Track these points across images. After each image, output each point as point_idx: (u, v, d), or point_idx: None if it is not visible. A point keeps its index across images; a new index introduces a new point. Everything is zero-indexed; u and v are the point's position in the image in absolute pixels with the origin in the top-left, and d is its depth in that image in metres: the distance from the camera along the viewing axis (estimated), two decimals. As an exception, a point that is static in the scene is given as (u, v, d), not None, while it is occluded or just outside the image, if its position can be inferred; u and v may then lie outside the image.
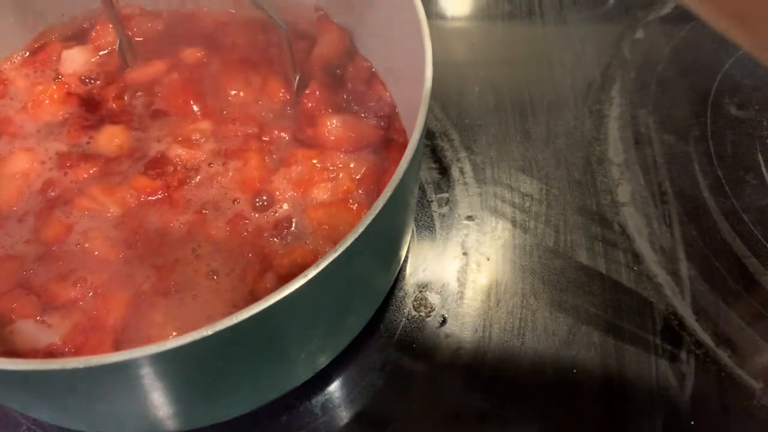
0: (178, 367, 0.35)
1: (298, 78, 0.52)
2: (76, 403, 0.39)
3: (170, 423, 0.45)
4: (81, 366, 0.31)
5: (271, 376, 0.43)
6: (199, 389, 0.40)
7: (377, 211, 0.35)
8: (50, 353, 0.43)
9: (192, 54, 0.56)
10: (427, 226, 0.55)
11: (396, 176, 0.36)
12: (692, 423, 0.47)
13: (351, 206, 0.46)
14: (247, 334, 0.34)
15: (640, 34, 0.70)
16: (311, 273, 0.33)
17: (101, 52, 0.57)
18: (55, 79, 0.55)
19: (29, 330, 0.44)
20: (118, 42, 0.55)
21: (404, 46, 0.45)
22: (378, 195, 0.46)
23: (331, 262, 0.34)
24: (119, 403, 0.39)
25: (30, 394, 0.38)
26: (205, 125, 0.52)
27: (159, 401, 0.39)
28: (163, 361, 0.33)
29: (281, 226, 0.46)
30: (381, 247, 0.42)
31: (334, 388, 0.48)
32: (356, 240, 0.34)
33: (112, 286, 0.45)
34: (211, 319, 0.31)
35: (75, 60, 0.56)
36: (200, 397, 0.41)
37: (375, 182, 0.47)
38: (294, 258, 0.43)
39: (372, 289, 0.46)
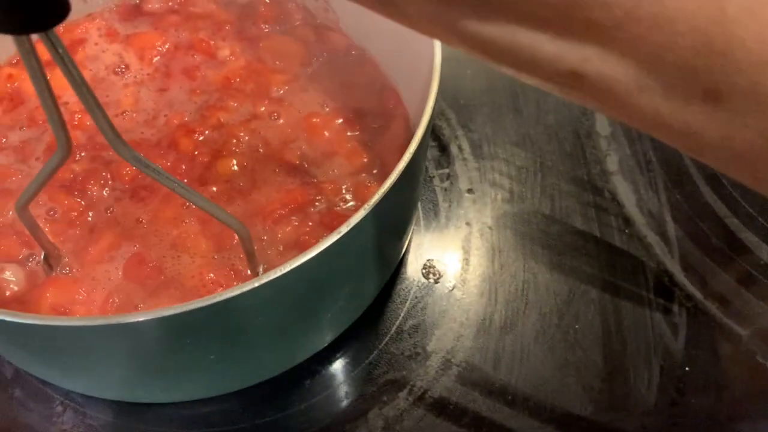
0: (209, 329, 0.38)
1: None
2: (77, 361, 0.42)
3: (194, 389, 0.47)
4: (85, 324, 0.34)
5: (297, 340, 0.46)
6: (227, 353, 0.43)
7: (390, 183, 0.38)
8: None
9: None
10: (430, 200, 0.58)
11: (407, 155, 0.39)
12: (687, 369, 0.51)
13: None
14: (276, 294, 0.37)
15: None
16: (344, 230, 0.36)
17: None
18: None
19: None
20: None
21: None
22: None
23: (355, 226, 0.37)
24: (130, 365, 0.42)
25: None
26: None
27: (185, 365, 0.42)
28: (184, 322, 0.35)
29: None
30: (393, 215, 0.45)
31: (353, 352, 0.51)
32: (377, 205, 0.37)
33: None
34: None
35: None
36: (228, 361, 0.44)
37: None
38: None
39: (386, 255, 0.49)
